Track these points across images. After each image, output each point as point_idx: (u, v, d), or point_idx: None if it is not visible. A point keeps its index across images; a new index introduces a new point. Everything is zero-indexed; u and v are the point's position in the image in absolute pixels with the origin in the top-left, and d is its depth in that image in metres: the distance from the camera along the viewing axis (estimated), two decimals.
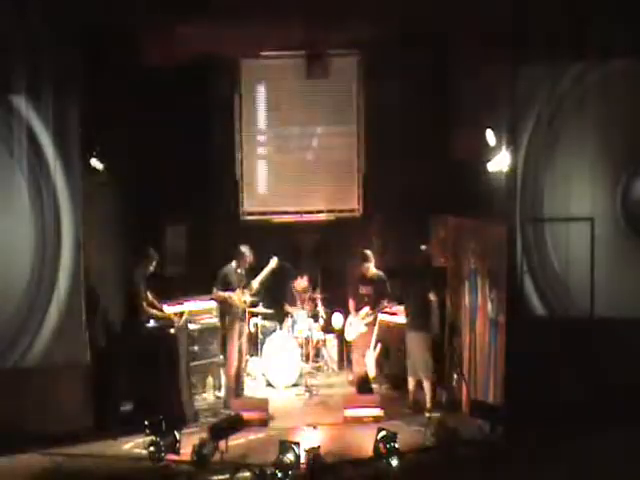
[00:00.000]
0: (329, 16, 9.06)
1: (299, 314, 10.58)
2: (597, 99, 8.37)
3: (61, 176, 8.25)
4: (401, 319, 10.11)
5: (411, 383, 9.29)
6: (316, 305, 10.69)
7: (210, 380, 9.99)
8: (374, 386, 9.85)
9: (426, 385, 9.14)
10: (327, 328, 10.76)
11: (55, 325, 8.20)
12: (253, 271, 9.74)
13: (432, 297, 9.08)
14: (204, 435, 7.61)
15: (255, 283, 9.65)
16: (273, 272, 9.82)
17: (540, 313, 8.56)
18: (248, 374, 10.32)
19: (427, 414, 8.79)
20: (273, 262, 9.78)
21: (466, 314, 9.11)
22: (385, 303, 9.74)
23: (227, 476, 6.97)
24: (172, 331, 8.94)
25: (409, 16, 9.15)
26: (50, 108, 8.16)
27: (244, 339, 9.74)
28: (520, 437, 7.81)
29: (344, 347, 10.84)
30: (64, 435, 7.92)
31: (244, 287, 9.54)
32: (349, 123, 11.43)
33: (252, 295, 9.77)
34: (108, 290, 9.10)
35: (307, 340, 10.47)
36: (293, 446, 7.15)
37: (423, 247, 9.70)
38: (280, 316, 10.73)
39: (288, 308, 10.76)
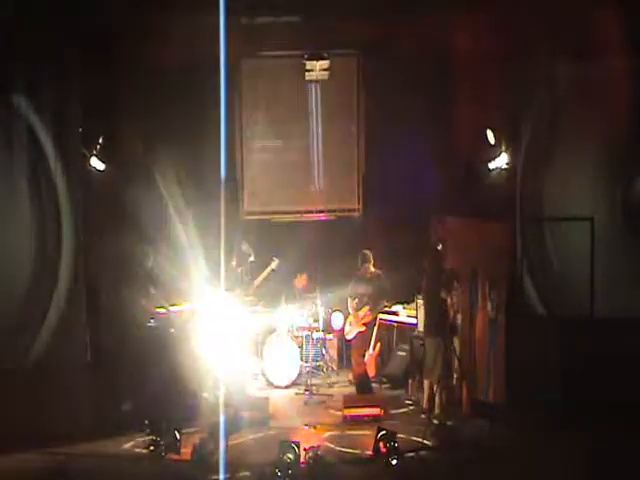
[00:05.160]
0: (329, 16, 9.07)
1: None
2: (597, 99, 8.38)
3: (61, 176, 8.25)
4: (400, 319, 10.11)
5: (426, 386, 8.97)
6: (316, 305, 10.68)
7: (210, 379, 9.97)
8: (374, 386, 9.85)
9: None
10: (327, 328, 10.76)
11: (55, 325, 8.20)
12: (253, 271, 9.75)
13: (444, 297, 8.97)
14: (204, 435, 7.61)
15: (255, 283, 9.64)
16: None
17: (540, 313, 8.56)
18: (248, 373, 10.31)
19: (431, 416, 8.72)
20: (274, 263, 9.78)
21: (466, 314, 9.10)
22: (384, 303, 9.73)
23: (227, 476, 6.97)
24: (173, 330, 8.94)
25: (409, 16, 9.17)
26: (50, 108, 8.17)
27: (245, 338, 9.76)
28: (520, 437, 7.81)
29: (344, 347, 10.84)
30: (64, 435, 7.91)
31: (244, 287, 9.55)
32: (349, 123, 11.43)
33: (252, 295, 9.77)
34: (108, 289, 9.08)
35: (307, 340, 10.46)
36: (293, 446, 7.15)
37: (439, 247, 9.07)
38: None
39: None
